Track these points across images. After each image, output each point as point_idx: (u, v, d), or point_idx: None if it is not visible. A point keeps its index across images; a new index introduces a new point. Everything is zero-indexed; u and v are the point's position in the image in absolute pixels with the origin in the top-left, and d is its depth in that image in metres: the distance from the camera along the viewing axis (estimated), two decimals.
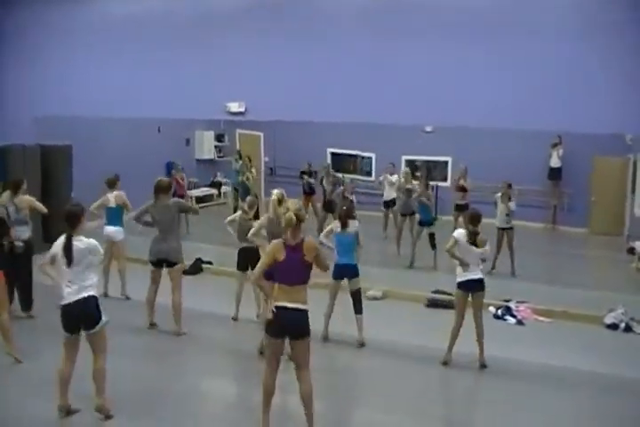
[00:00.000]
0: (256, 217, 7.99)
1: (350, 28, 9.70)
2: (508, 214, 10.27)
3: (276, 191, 7.18)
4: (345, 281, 7.46)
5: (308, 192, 13.25)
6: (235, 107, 10.49)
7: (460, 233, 6.85)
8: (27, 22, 11.96)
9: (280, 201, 7.06)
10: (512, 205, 10.25)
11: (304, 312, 5.00)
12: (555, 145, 13.46)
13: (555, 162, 13.60)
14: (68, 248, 5.18)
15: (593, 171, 13.27)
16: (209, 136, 16.39)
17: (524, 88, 8.77)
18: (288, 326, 4.99)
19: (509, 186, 10.40)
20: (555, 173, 13.61)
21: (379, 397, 6.19)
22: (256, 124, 13.64)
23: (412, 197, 11.06)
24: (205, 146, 16.34)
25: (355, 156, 14.69)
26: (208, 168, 16.63)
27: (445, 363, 6.87)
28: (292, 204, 5.15)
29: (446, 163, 13.93)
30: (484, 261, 7.02)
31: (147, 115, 11.34)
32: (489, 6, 8.95)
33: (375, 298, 9.13)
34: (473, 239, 6.75)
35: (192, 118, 13.49)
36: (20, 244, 7.46)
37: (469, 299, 6.83)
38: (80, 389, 5.47)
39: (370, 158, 14.53)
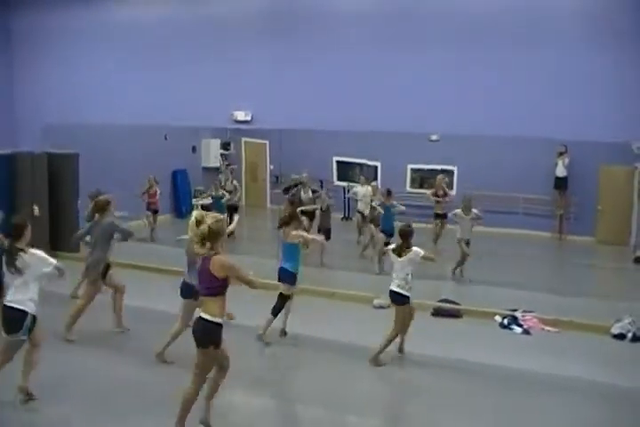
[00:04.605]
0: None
1: (355, 37, 9.72)
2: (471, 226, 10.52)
3: (195, 213, 7.25)
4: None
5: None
6: (241, 115, 10.52)
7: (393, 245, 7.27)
8: (37, 30, 12.02)
9: (199, 222, 7.13)
10: (475, 211, 10.44)
11: (207, 323, 5.00)
12: (561, 154, 13.44)
13: (560, 171, 13.58)
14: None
15: (599, 180, 13.24)
16: (215, 144, 16.43)
17: (530, 96, 8.77)
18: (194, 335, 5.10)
19: (469, 200, 10.57)
20: (561, 183, 13.58)
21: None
22: (262, 132, 13.69)
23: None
24: (212, 154, 16.38)
25: (360, 164, 14.70)
26: (214, 176, 16.67)
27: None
28: (211, 218, 5.17)
29: (452, 172, 13.92)
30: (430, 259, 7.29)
31: (153, 122, 11.38)
32: (494, 15, 8.95)
33: (381, 307, 9.12)
34: (399, 251, 7.05)
35: (198, 126, 13.55)
36: None
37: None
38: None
39: (375, 167, 14.54)
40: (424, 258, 7.08)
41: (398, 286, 7.00)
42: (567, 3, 8.69)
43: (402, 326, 7.07)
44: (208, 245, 5.02)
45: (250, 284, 5.15)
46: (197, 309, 5.44)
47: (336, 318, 8.47)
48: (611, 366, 7.18)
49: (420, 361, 7.21)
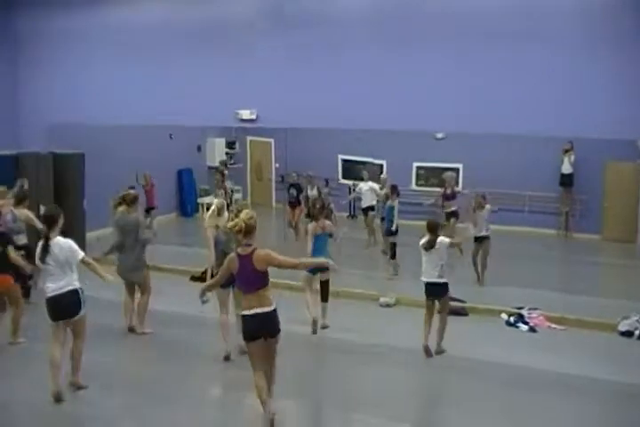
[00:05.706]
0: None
1: (360, 35, 9.71)
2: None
3: (216, 201, 7.35)
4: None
5: (293, 203, 13.28)
6: (246, 114, 10.51)
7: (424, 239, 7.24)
8: (41, 30, 12.05)
9: (220, 210, 7.20)
10: (488, 206, 10.18)
11: (274, 312, 5.22)
12: (566, 151, 13.40)
13: (566, 168, 13.55)
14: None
15: (605, 177, 13.21)
16: (220, 143, 16.43)
17: (536, 94, 8.75)
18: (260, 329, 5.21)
19: (483, 197, 10.33)
20: (566, 180, 13.56)
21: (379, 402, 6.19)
22: (267, 130, 13.70)
23: None
24: (217, 153, 16.38)
25: (366, 162, 14.69)
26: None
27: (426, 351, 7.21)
28: (244, 214, 5.26)
29: (457, 170, 13.90)
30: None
31: (158, 122, 11.39)
32: (499, 13, 8.93)
33: (388, 305, 9.12)
34: (429, 245, 7.09)
35: (204, 125, 13.54)
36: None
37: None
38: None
39: (381, 165, 14.52)
40: (451, 245, 7.25)
41: (439, 276, 7.10)
42: (567, 2, 8.67)
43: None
44: (244, 242, 5.18)
45: (296, 267, 5.45)
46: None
47: (343, 316, 8.45)
48: (618, 363, 7.16)
49: (426, 359, 7.21)
